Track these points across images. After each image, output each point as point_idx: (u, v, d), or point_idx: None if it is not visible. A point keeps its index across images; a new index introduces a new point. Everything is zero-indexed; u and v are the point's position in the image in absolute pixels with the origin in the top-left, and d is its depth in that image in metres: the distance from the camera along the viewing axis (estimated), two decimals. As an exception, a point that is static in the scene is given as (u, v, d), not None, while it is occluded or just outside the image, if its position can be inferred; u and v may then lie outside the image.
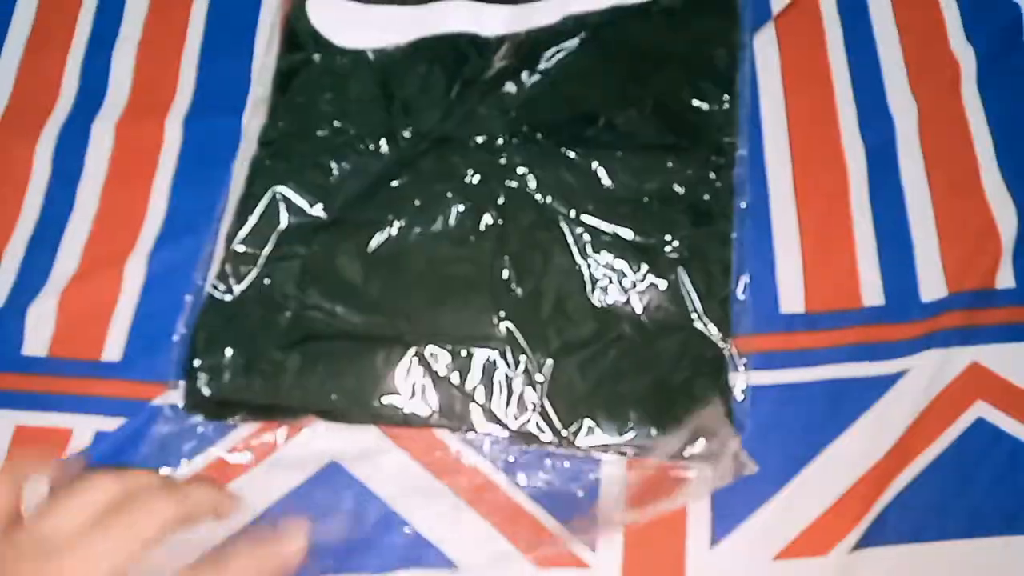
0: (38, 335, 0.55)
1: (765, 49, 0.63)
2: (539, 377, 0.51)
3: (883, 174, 0.58)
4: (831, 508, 0.48)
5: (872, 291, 0.55)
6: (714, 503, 0.49)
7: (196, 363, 0.52)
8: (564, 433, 0.50)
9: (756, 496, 0.49)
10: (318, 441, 0.51)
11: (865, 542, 0.47)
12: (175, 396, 0.52)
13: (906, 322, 0.53)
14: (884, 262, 0.55)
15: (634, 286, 0.53)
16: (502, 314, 0.52)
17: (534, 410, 0.50)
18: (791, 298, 0.55)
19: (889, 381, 0.51)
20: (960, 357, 0.52)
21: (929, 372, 0.51)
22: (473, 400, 0.50)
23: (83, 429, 0.52)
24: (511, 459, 0.50)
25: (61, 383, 0.54)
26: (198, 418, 0.51)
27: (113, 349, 0.55)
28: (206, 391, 0.51)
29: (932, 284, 0.54)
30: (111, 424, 0.52)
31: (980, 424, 0.50)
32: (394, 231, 0.55)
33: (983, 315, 0.53)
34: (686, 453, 0.49)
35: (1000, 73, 0.61)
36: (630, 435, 0.49)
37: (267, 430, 0.51)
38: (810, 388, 0.52)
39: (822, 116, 0.61)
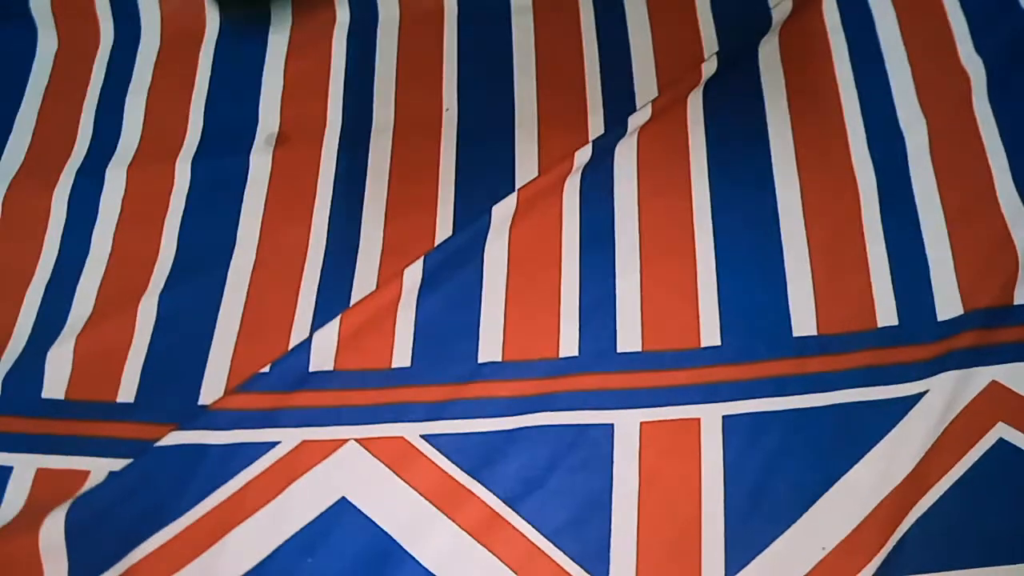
0: (56, 378, 0.56)
1: (769, 67, 0.63)
2: None
3: (895, 191, 0.57)
4: (848, 539, 0.47)
5: (886, 311, 0.53)
6: (727, 537, 0.48)
7: None
8: None
9: (771, 528, 0.48)
10: (327, 477, 0.51)
11: (884, 573, 0.46)
12: (184, 436, 0.52)
13: (922, 343, 0.52)
14: (898, 281, 0.54)
15: None
16: None
17: None
18: (803, 321, 0.54)
19: (906, 404, 0.50)
20: (979, 377, 0.50)
21: (947, 394, 0.50)
22: None
23: (100, 471, 0.53)
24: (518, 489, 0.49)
25: (79, 426, 0.55)
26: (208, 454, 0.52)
27: (127, 391, 0.56)
28: None
29: (948, 302, 0.53)
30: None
31: (1001, 445, 0.49)
32: None
33: (1002, 333, 0.52)
34: None
35: (1011, 83, 0.60)
36: None
37: (277, 468, 0.52)
38: (825, 413, 0.51)
39: (830, 134, 0.60)
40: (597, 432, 0.51)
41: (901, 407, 0.50)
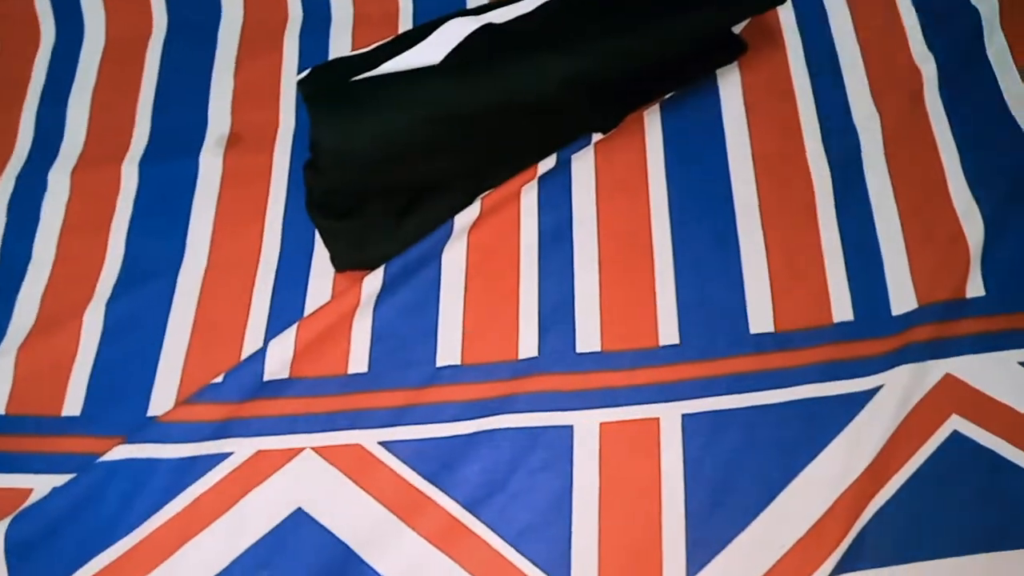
0: (-4, 393, 0.54)
1: (725, 67, 0.63)
2: None
3: (849, 188, 0.58)
4: (808, 534, 0.47)
5: (842, 307, 0.54)
6: (688, 535, 0.48)
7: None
8: None
9: (731, 526, 0.48)
10: (283, 488, 0.50)
11: (843, 567, 0.46)
12: (132, 450, 0.51)
13: (877, 337, 0.53)
14: (853, 277, 0.55)
15: None
16: None
17: None
18: (760, 318, 0.54)
19: (863, 399, 0.51)
20: (933, 370, 0.51)
21: (903, 387, 0.50)
22: None
23: (43, 488, 0.51)
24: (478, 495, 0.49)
25: (20, 442, 0.53)
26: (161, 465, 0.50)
27: (73, 403, 0.54)
28: None
29: (902, 297, 0.54)
30: (71, 481, 0.51)
31: (956, 438, 0.49)
32: None
33: (955, 326, 0.52)
34: None
35: (962, 79, 0.61)
36: None
37: (230, 480, 0.50)
38: (783, 410, 0.51)
39: (786, 131, 0.60)
40: (557, 434, 0.51)
41: (857, 402, 0.51)
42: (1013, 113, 0.59)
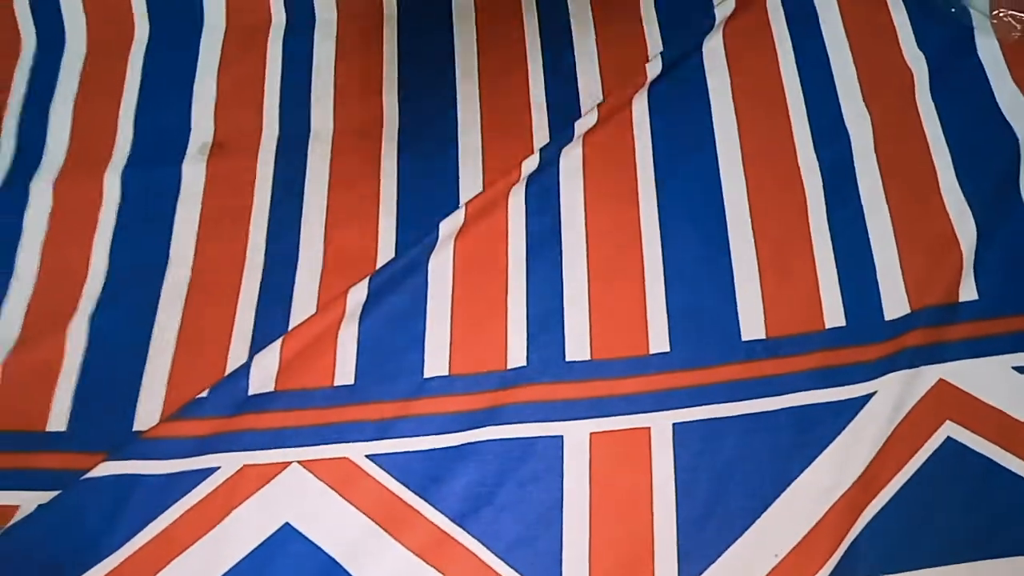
0: (-20, 408, 0.54)
1: (714, 68, 0.62)
2: None
3: (840, 191, 0.57)
4: (800, 544, 0.47)
5: (834, 312, 0.53)
6: (680, 547, 0.47)
7: None
8: None
9: (723, 537, 0.47)
10: (269, 503, 0.49)
11: (837, 577, 0.46)
12: (117, 467, 0.50)
13: (870, 343, 0.52)
14: (845, 281, 0.54)
15: None
16: None
17: None
18: (752, 324, 0.53)
19: (856, 406, 0.50)
20: (927, 375, 0.50)
21: (896, 394, 0.50)
22: None
23: (30, 505, 0.50)
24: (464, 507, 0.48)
25: (6, 458, 0.52)
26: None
27: (58, 419, 0.53)
28: None
29: (894, 301, 0.53)
30: (57, 498, 0.50)
31: (949, 444, 0.49)
32: None
33: (948, 331, 0.51)
34: None
35: (954, 78, 0.60)
36: None
37: (216, 496, 0.50)
38: (775, 418, 0.50)
39: (777, 135, 0.59)
40: (546, 444, 0.50)
41: (850, 409, 0.50)
42: (1004, 112, 0.58)
